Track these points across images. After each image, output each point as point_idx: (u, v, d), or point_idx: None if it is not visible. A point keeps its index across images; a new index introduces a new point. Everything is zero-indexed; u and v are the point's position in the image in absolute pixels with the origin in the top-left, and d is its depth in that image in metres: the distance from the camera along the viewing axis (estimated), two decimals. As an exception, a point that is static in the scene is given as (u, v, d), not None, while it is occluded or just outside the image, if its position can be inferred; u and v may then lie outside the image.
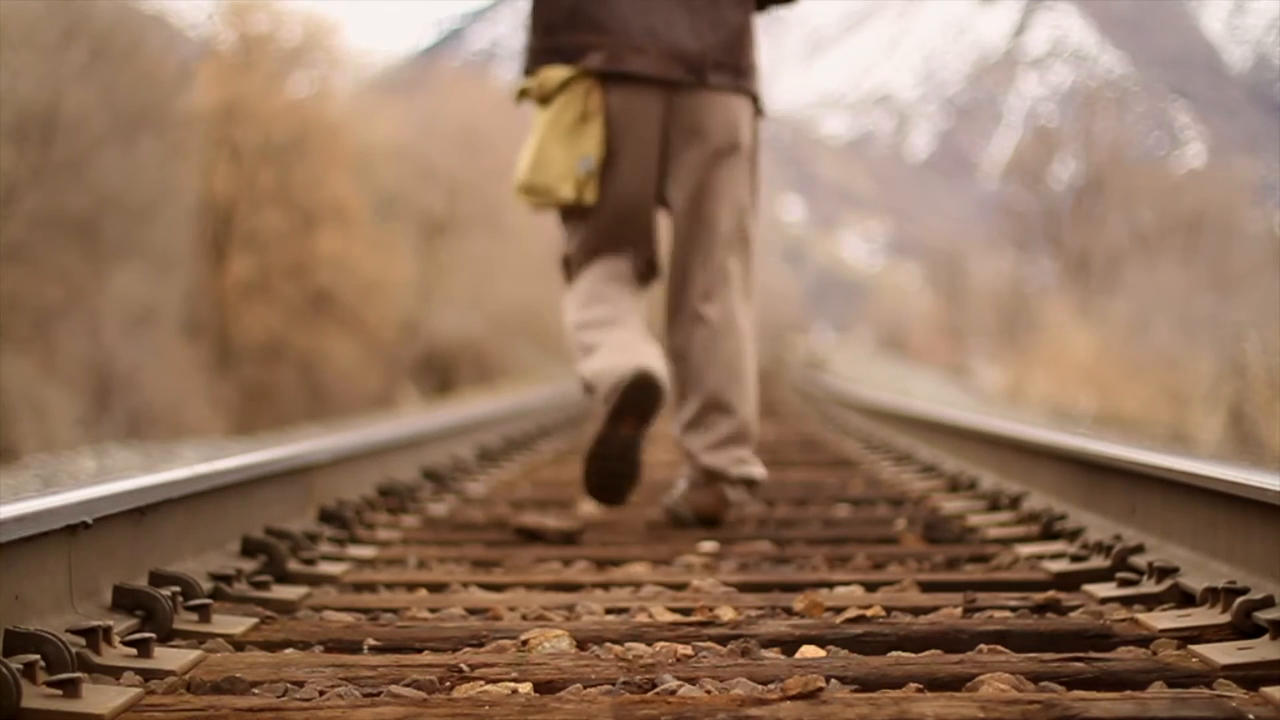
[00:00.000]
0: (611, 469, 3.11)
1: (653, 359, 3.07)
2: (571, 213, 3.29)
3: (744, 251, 3.30)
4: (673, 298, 3.32)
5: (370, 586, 2.53)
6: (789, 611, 2.16)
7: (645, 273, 3.36)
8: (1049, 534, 2.88)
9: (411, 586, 2.52)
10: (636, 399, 3.00)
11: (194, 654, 1.81)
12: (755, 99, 3.29)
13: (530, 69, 3.23)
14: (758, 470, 3.30)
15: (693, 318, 3.26)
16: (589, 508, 3.71)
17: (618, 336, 3.15)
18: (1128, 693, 1.57)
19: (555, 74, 3.15)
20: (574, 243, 3.33)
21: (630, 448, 3.09)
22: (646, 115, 3.15)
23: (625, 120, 3.15)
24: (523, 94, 3.25)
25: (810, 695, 1.52)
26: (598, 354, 3.13)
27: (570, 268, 3.37)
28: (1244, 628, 1.82)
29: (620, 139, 3.16)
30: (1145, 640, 1.87)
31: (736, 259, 3.28)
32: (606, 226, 3.26)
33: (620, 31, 3.11)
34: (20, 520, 1.74)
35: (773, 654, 1.84)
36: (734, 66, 3.20)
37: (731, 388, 3.23)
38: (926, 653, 1.83)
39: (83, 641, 1.70)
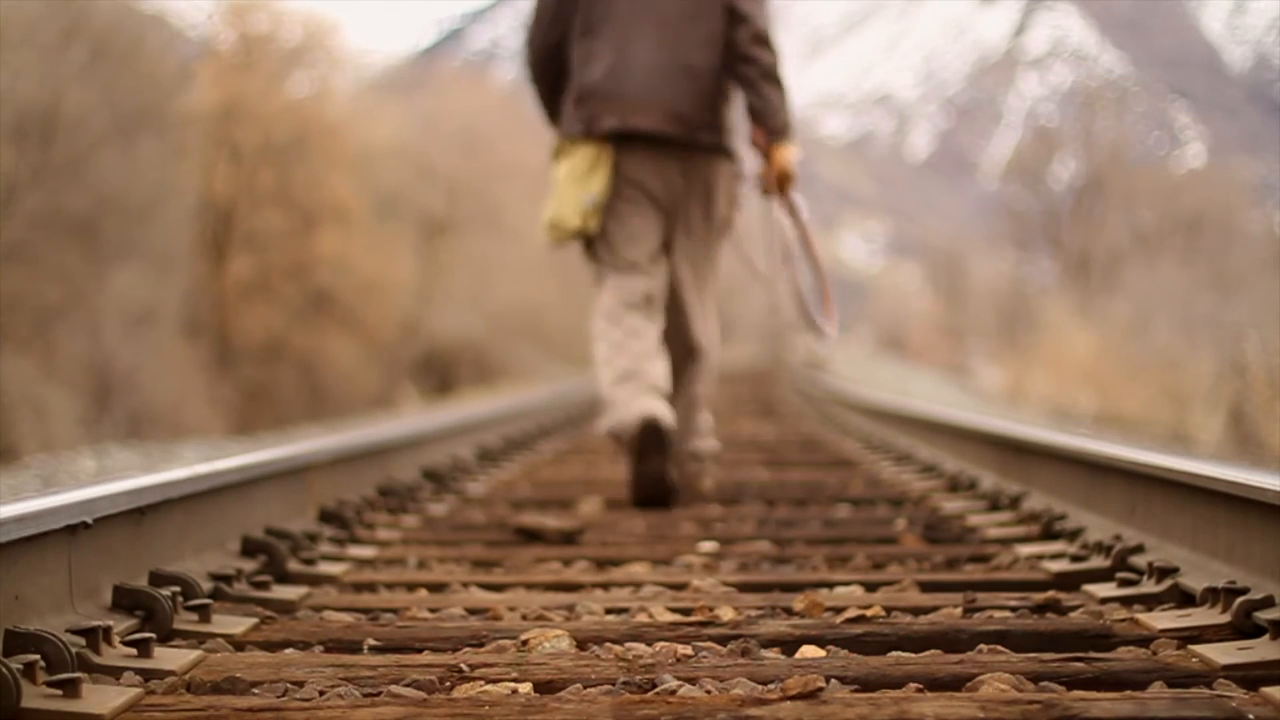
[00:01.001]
0: (651, 492, 3.68)
1: (656, 406, 3.70)
2: (589, 244, 3.97)
3: (712, 274, 4.05)
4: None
5: (370, 586, 2.53)
6: (789, 611, 2.16)
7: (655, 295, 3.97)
8: (1049, 534, 2.88)
9: (411, 586, 2.52)
10: (649, 442, 3.65)
11: (194, 654, 1.81)
12: (732, 155, 3.97)
13: (566, 136, 3.92)
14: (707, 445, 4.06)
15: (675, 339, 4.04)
16: (589, 508, 3.72)
17: (628, 390, 3.76)
18: (1128, 693, 1.57)
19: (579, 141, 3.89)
20: (596, 267, 4.02)
21: (660, 474, 3.67)
22: (646, 164, 3.88)
23: (630, 167, 3.88)
24: (559, 154, 3.98)
25: (810, 695, 1.52)
26: (615, 409, 3.77)
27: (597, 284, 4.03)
28: (1244, 628, 1.82)
29: (624, 182, 3.88)
30: (1145, 640, 1.87)
31: (707, 281, 4.03)
32: (613, 253, 3.94)
33: (624, 91, 3.84)
34: (20, 520, 1.74)
35: (773, 654, 1.84)
36: (719, 125, 3.89)
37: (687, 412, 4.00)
38: (926, 653, 1.83)
39: (83, 641, 1.70)
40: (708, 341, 4.07)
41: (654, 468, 3.64)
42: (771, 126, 3.90)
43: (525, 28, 4.02)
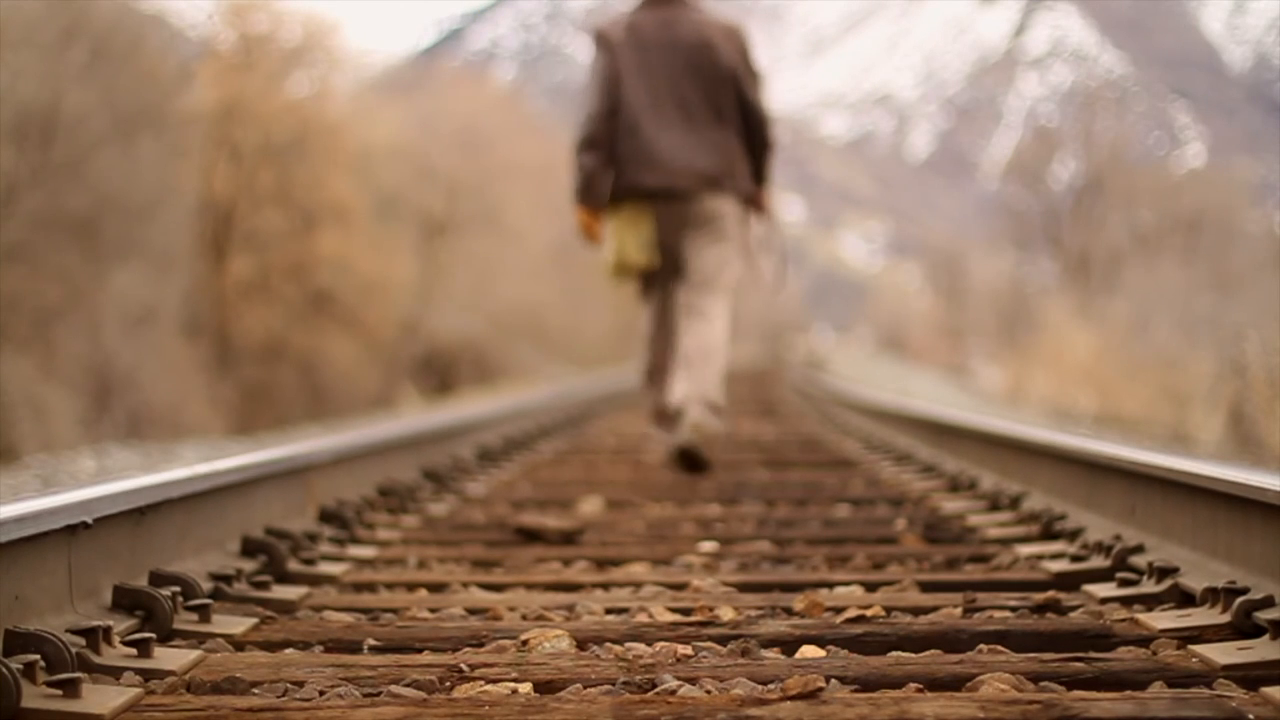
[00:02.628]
0: (690, 466, 4.73)
1: (692, 437, 4.71)
2: (645, 276, 5.15)
3: (727, 291, 5.08)
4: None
5: (370, 586, 2.53)
6: (789, 611, 2.16)
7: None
8: (1049, 534, 2.88)
9: (411, 586, 2.52)
10: (692, 458, 4.70)
11: (194, 654, 1.81)
12: (743, 197, 5.08)
13: (614, 199, 4.99)
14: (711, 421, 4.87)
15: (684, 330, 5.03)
16: (589, 508, 3.72)
17: (669, 423, 4.95)
18: (1128, 693, 1.57)
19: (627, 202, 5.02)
20: (646, 289, 5.22)
21: (700, 465, 4.71)
22: (671, 212, 4.98)
23: (663, 216, 4.99)
24: (598, 206, 5.03)
25: (810, 695, 1.52)
26: (665, 436, 5.02)
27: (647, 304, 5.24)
28: (1244, 628, 1.82)
29: (663, 224, 5.00)
30: (1145, 640, 1.87)
31: (721, 296, 5.05)
32: (655, 277, 5.14)
33: (653, 159, 4.94)
34: (20, 520, 1.74)
35: (773, 654, 1.84)
36: (726, 179, 5.01)
37: (705, 379, 4.87)
38: (926, 653, 1.83)
39: (83, 641, 1.70)
40: (722, 329, 5.09)
41: (696, 465, 4.71)
42: (763, 180, 5.23)
43: (581, 114, 5.07)
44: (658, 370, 5.20)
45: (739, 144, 5.07)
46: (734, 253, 5.12)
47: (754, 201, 5.22)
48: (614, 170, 5.02)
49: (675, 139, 4.98)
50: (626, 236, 4.97)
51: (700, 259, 5.03)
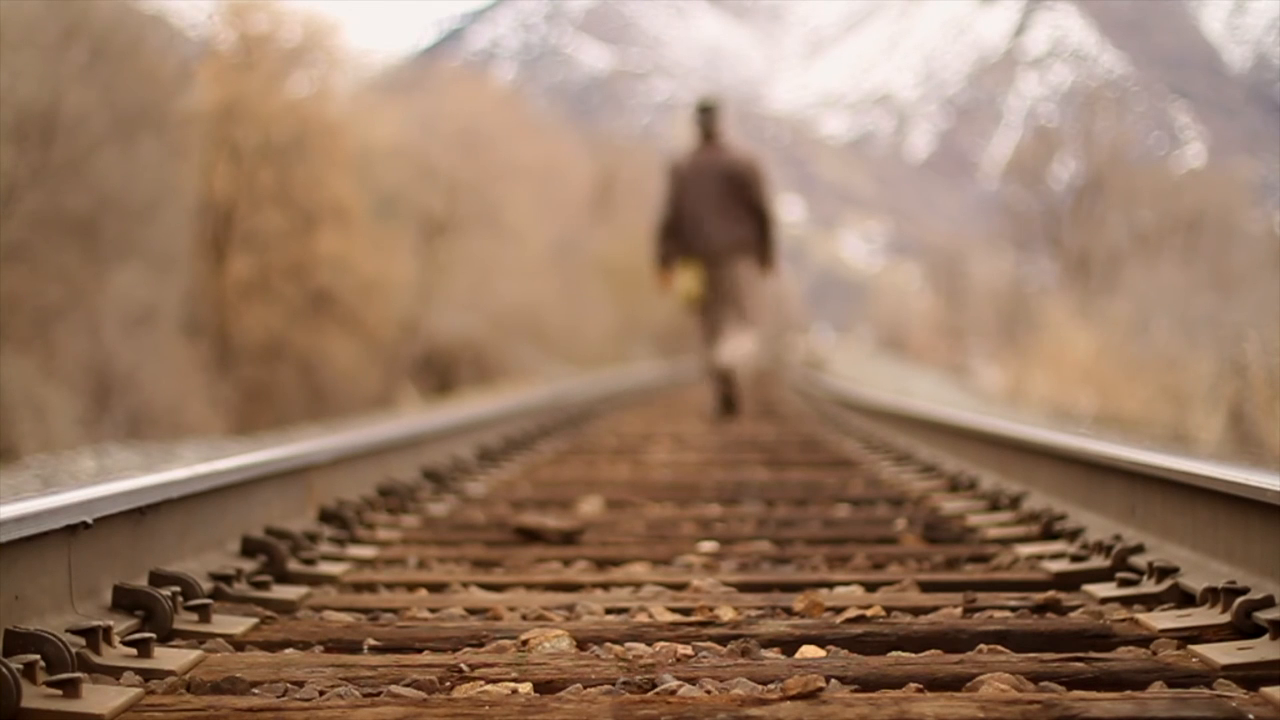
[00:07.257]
0: (724, 405, 8.20)
1: (724, 358, 8.17)
2: (700, 302, 8.36)
3: (747, 314, 8.25)
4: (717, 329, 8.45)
5: (370, 586, 2.53)
6: (789, 611, 2.16)
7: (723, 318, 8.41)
8: (1049, 534, 2.88)
9: (411, 586, 2.52)
10: (720, 377, 8.25)
11: (194, 654, 1.81)
12: (752, 256, 8.28)
13: (683, 259, 8.26)
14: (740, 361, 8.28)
15: (722, 339, 8.33)
16: (589, 508, 3.72)
17: (708, 354, 8.42)
18: (1128, 693, 1.57)
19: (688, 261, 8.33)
20: (700, 312, 8.43)
21: (730, 395, 8.18)
22: (713, 266, 8.19)
23: (708, 269, 8.19)
24: (669, 266, 8.41)
25: (810, 695, 1.52)
26: (707, 363, 8.51)
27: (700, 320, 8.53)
28: (1244, 628, 1.82)
29: (706, 273, 8.20)
30: (1145, 640, 1.87)
31: (744, 317, 8.24)
32: (706, 305, 8.34)
33: (703, 236, 8.18)
34: (20, 520, 1.74)
35: (773, 654, 1.84)
36: (746, 247, 8.21)
37: (735, 365, 8.19)
38: (926, 653, 1.83)
39: (83, 641, 1.70)
40: (750, 339, 8.25)
41: (728, 391, 8.14)
42: (768, 255, 8.30)
43: (659, 213, 8.34)
44: (707, 356, 8.38)
45: (753, 229, 8.22)
46: (753, 294, 8.27)
47: (764, 269, 8.33)
48: (682, 243, 8.21)
49: (717, 225, 8.16)
50: (691, 280, 8.17)
51: (734, 299, 8.17)
